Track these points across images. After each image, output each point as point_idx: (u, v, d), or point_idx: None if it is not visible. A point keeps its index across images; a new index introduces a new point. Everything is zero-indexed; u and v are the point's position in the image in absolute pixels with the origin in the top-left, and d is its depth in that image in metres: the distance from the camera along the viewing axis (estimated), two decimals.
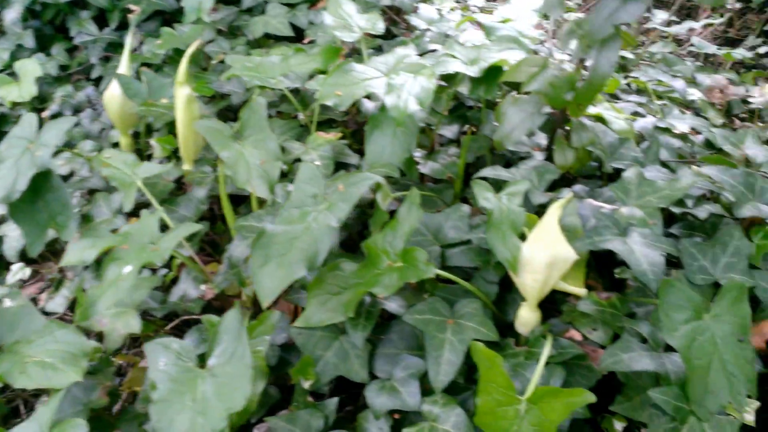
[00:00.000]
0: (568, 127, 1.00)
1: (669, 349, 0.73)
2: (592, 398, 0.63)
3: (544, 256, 0.77)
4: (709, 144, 1.21)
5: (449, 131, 1.18)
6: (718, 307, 0.69)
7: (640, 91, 1.51)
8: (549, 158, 1.00)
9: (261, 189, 1.01)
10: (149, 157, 1.40)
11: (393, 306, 0.86)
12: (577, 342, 0.81)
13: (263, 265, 0.78)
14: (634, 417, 0.73)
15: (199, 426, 0.68)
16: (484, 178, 0.93)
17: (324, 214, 0.82)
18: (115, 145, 1.44)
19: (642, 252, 0.77)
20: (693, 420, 0.65)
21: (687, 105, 1.49)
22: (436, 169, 1.06)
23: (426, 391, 0.81)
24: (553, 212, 0.83)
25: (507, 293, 0.93)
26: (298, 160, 1.12)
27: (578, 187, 0.97)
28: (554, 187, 0.99)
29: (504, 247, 0.80)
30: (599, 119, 0.98)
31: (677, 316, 0.67)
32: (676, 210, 0.96)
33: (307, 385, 0.83)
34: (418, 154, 1.10)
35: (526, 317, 0.83)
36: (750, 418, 0.69)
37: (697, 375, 0.65)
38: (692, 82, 1.55)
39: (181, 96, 1.15)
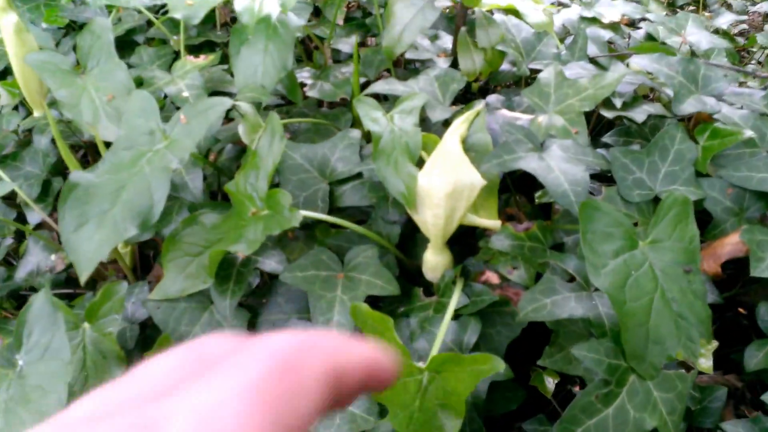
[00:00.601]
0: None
1: None
2: (500, 365, 0.48)
3: (443, 185, 0.61)
4: (649, 37, 1.05)
5: (347, 44, 0.99)
6: (657, 230, 0.54)
7: None
8: (455, 65, 0.83)
9: (111, 131, 0.81)
10: None
11: (271, 263, 0.69)
12: (495, 286, 0.67)
13: (78, 228, 0.60)
14: (567, 371, 0.59)
15: None
16: (377, 96, 0.76)
17: (161, 154, 0.63)
18: None
19: (561, 169, 0.61)
20: (634, 379, 0.51)
21: None
22: (326, 91, 0.87)
23: None
24: (455, 130, 0.66)
25: (417, 232, 0.77)
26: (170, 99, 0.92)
27: (493, 98, 0.80)
28: (466, 100, 0.82)
29: (396, 177, 0.64)
30: (511, 11, 0.80)
31: (605, 247, 0.52)
32: (608, 114, 0.81)
33: None
34: (305, 74, 0.91)
35: (432, 261, 0.68)
36: (707, 363, 0.56)
37: (635, 322, 0.50)
38: None
39: (7, 26, 0.93)
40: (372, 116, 0.68)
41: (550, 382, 0.63)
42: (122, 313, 0.68)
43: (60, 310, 0.59)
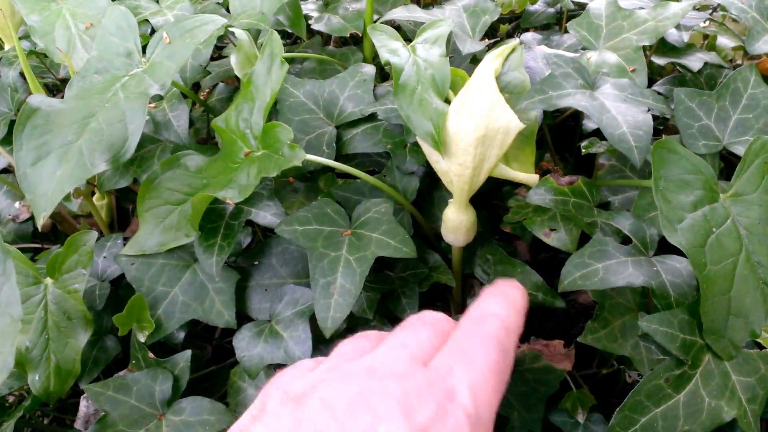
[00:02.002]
0: None
1: (665, 249, 0.48)
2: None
3: (473, 128, 0.50)
4: None
5: None
6: (741, 181, 0.44)
7: None
8: None
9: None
10: None
11: (266, 216, 0.59)
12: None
13: (37, 161, 0.49)
14: (611, 350, 0.49)
15: None
16: (393, 24, 0.65)
17: (139, 78, 0.53)
18: None
19: (618, 109, 0.51)
20: (709, 359, 0.41)
21: None
22: (334, 25, 0.76)
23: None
24: (488, 64, 0.55)
25: (435, 189, 0.67)
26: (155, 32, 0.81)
27: (528, 36, 0.69)
28: (494, 36, 0.71)
29: (422, 116, 0.53)
30: None
31: (681, 198, 0.42)
32: (658, 61, 0.70)
33: (142, 337, 0.57)
34: (311, 5, 0.80)
35: (455, 220, 0.57)
36: None
37: (716, 290, 0.40)
38: None
39: None
40: (390, 47, 0.57)
41: (581, 414, 0.53)
42: (91, 268, 0.58)
43: (11, 257, 0.49)
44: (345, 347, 0.39)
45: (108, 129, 0.50)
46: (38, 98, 0.51)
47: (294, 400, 0.33)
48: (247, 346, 0.57)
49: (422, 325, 0.39)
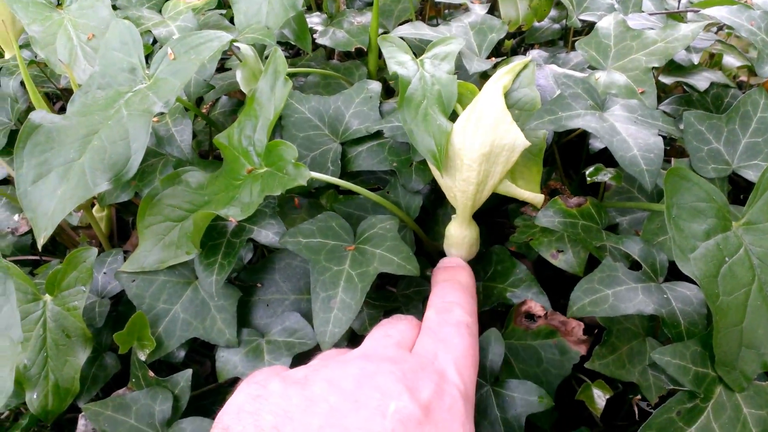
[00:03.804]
0: None
1: (674, 275, 0.47)
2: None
3: (479, 144, 0.50)
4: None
5: None
6: (754, 209, 0.43)
7: None
8: (492, 12, 0.71)
9: (89, 74, 0.70)
10: None
11: (268, 235, 0.58)
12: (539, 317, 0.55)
13: (38, 179, 0.48)
14: (619, 377, 0.49)
15: None
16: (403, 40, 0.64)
17: (143, 95, 0.52)
18: None
19: (629, 131, 0.50)
20: (720, 392, 0.41)
21: None
22: (339, 39, 0.75)
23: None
24: (497, 80, 0.55)
25: (439, 207, 0.66)
26: (157, 43, 0.80)
27: (535, 53, 0.68)
28: (500, 55, 0.70)
29: (425, 132, 0.52)
30: None
31: (693, 226, 0.41)
32: (665, 80, 0.70)
33: (143, 355, 0.56)
34: (316, 19, 0.79)
35: (458, 235, 0.57)
36: None
37: (728, 321, 0.40)
38: None
39: None
40: (399, 59, 0.56)
41: (601, 397, 0.52)
42: (91, 284, 0.57)
43: (12, 276, 0.48)
44: (326, 353, 0.43)
45: (111, 147, 0.49)
46: (40, 114, 0.50)
47: (297, 383, 0.34)
48: (229, 353, 0.56)
49: (398, 320, 0.45)
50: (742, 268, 0.41)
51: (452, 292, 0.48)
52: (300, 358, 0.55)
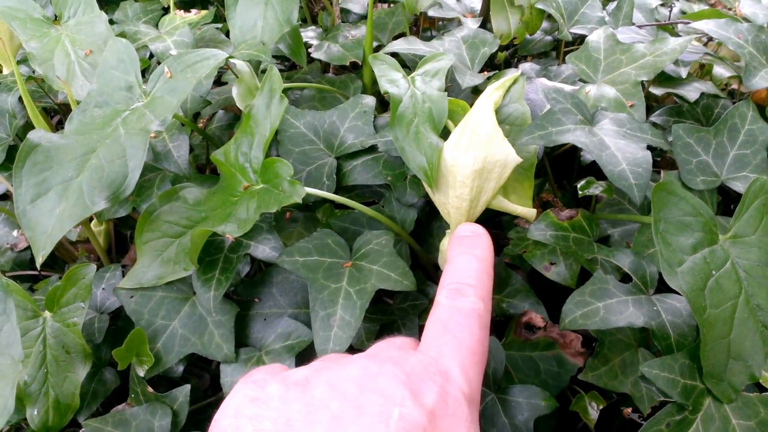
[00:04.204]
0: None
1: (664, 288, 0.48)
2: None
3: (471, 161, 0.51)
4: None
5: (357, 4, 0.88)
6: (741, 222, 0.44)
7: None
8: (484, 26, 0.72)
9: (86, 90, 0.71)
10: None
11: (264, 250, 0.59)
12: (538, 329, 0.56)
13: (36, 198, 0.49)
14: (612, 388, 0.50)
15: None
16: (396, 56, 0.65)
17: (140, 114, 0.53)
18: None
19: (617, 146, 0.51)
20: (709, 404, 0.41)
21: None
22: (334, 54, 0.76)
23: None
24: (488, 96, 0.56)
25: (434, 220, 0.67)
26: (153, 57, 0.81)
27: (527, 66, 0.69)
28: (493, 66, 0.71)
29: (416, 149, 0.53)
30: None
31: (681, 240, 0.42)
32: (655, 91, 0.71)
33: (141, 371, 0.56)
34: (311, 33, 0.80)
35: None
36: None
37: (716, 334, 0.40)
38: None
39: None
40: (390, 77, 0.57)
41: (594, 408, 0.52)
42: (90, 300, 0.58)
43: (11, 294, 0.49)
44: (328, 356, 0.41)
45: (108, 166, 0.50)
46: (38, 134, 0.51)
47: (298, 384, 0.33)
48: (232, 372, 0.57)
49: (398, 336, 0.43)
50: (728, 281, 0.42)
51: (467, 269, 0.43)
52: (301, 358, 0.56)
